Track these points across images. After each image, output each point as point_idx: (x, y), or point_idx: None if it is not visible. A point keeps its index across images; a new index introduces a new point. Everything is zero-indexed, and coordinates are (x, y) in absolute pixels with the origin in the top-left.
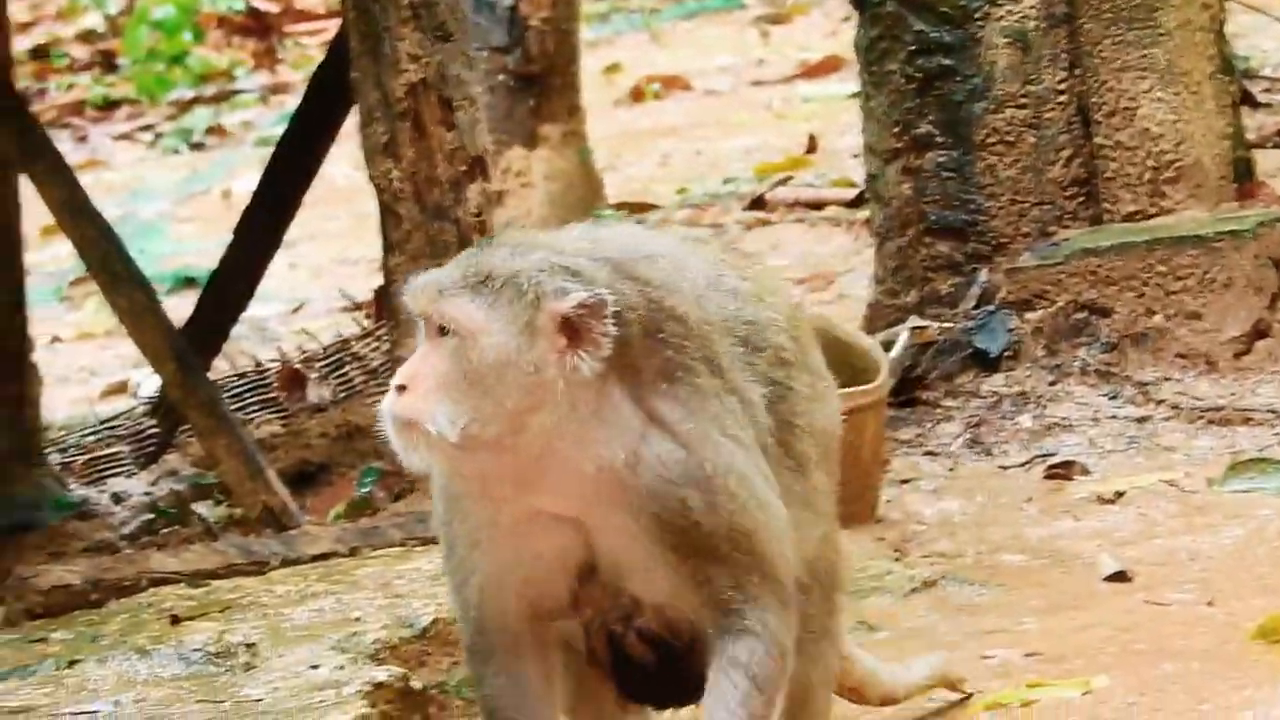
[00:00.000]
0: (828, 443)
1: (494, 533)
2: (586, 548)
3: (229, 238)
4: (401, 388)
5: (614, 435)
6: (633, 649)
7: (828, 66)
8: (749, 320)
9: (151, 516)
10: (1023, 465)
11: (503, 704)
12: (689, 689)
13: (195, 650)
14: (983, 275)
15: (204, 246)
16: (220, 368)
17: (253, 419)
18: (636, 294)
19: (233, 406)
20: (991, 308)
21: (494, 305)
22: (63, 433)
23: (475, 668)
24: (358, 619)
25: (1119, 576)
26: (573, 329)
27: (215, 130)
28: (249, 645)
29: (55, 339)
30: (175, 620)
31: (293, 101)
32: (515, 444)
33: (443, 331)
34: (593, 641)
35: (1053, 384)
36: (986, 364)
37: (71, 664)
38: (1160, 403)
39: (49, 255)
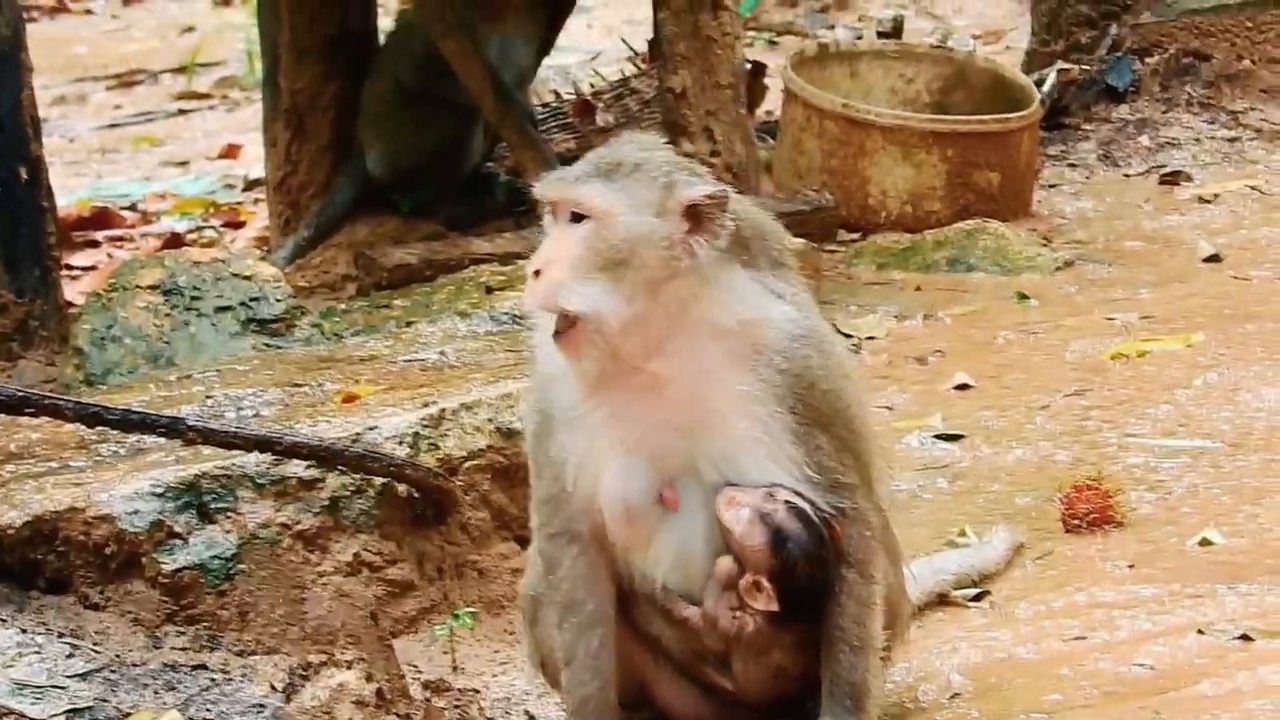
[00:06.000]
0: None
1: (597, 410)
2: (690, 430)
3: None
4: (537, 273)
5: (742, 299)
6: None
7: None
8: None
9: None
10: (1142, 174)
11: (577, 588)
12: None
13: (504, 313)
14: (1113, 29)
15: None
16: (530, 101)
17: (553, 138)
18: (746, 201)
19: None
20: (1120, 54)
21: (626, 189)
22: None
23: (554, 552)
24: None
25: (1213, 258)
26: (696, 217)
27: None
28: None
29: None
30: (489, 290)
31: None
32: (650, 310)
33: (575, 219)
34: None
35: (1165, 112)
36: (1115, 97)
37: (408, 324)
38: (1248, 127)
39: None
